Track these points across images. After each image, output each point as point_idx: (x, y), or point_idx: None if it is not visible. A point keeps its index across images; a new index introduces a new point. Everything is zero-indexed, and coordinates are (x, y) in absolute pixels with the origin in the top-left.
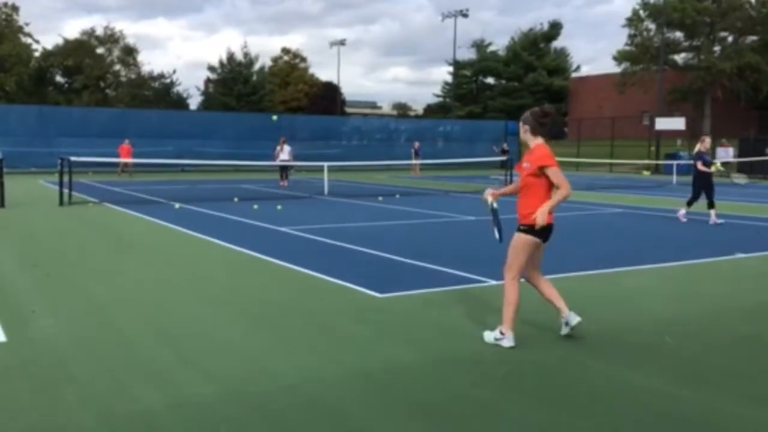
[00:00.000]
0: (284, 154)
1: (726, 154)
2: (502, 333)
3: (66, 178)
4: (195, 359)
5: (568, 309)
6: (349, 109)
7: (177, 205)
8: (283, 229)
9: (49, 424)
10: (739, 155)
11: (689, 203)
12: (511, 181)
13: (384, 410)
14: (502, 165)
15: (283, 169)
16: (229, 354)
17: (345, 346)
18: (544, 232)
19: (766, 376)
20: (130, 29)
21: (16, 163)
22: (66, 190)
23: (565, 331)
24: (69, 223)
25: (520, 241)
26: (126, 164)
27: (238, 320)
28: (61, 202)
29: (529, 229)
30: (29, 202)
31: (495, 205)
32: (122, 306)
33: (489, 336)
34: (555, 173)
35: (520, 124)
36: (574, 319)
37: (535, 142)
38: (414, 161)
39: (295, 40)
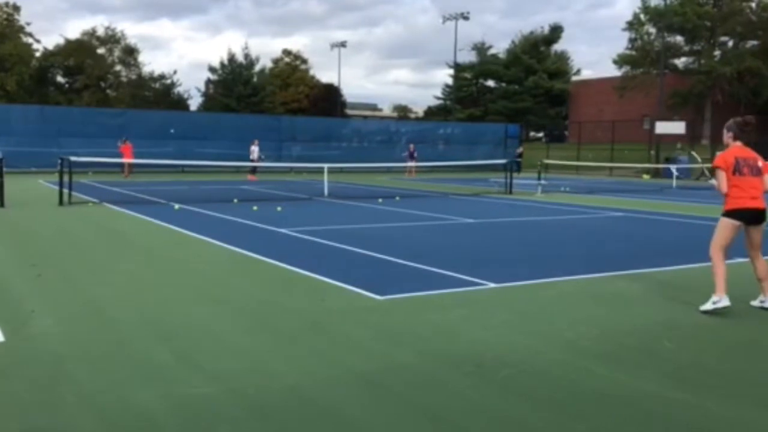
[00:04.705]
0: (254, 153)
1: None
2: (717, 298)
3: (66, 178)
4: (194, 359)
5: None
6: (349, 111)
7: (176, 206)
8: (282, 230)
9: (47, 423)
10: None
11: None
12: (511, 184)
13: (383, 412)
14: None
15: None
16: (228, 354)
17: (344, 347)
18: (741, 216)
19: (765, 379)
20: (133, 30)
21: (16, 163)
22: (66, 190)
23: (756, 303)
24: (68, 223)
25: (720, 223)
26: (130, 165)
27: (237, 320)
28: (61, 202)
29: (726, 213)
30: (29, 201)
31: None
32: (121, 305)
33: (707, 306)
34: (718, 174)
35: (724, 131)
36: None
37: (733, 146)
38: (409, 163)
39: (298, 42)
